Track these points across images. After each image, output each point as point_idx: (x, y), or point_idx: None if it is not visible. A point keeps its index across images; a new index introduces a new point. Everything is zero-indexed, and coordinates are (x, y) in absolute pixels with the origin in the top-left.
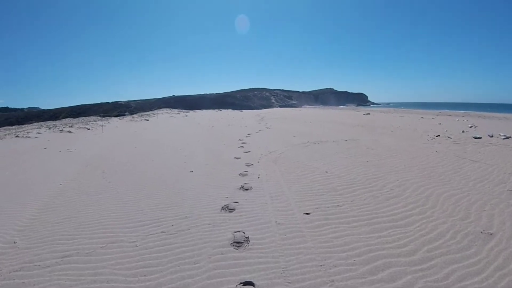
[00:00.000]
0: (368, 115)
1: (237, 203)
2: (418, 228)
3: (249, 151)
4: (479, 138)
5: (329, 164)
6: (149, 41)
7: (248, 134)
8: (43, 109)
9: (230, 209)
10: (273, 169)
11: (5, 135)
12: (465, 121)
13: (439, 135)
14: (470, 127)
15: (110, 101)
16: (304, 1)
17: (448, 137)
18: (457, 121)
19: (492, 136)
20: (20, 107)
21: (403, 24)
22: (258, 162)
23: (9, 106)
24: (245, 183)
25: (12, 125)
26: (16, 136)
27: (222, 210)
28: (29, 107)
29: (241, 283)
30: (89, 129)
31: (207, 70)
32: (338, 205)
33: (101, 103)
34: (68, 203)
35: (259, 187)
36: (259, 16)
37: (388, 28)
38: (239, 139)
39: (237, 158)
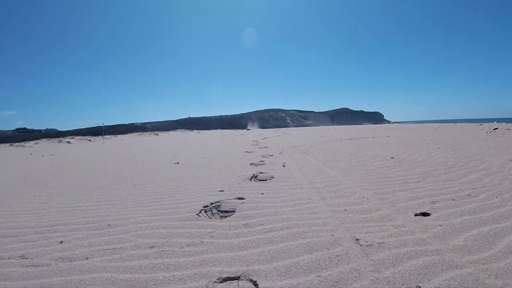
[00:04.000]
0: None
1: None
2: None
3: (265, 147)
4: None
5: (390, 152)
6: (167, 64)
7: (264, 137)
8: (60, 131)
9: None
10: (305, 158)
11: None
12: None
13: (496, 128)
14: None
15: (126, 123)
16: (319, 23)
17: (508, 129)
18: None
19: None
20: (38, 128)
21: (419, 44)
22: (280, 153)
23: (27, 127)
24: (260, 172)
25: None
26: (10, 145)
27: None
28: (47, 129)
29: None
30: (90, 140)
31: (223, 91)
32: (469, 195)
33: (117, 124)
34: None
35: (287, 177)
36: (274, 40)
37: (404, 47)
38: (253, 140)
39: (249, 152)
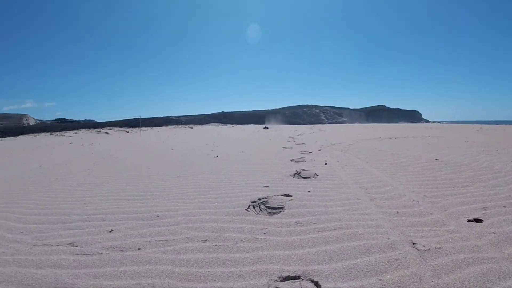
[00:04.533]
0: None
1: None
2: None
3: (303, 143)
4: None
5: (434, 153)
6: (200, 58)
7: (300, 134)
8: (98, 122)
9: None
10: (346, 156)
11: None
12: None
13: None
14: None
15: (161, 116)
16: (355, 20)
17: None
18: None
19: None
20: (76, 119)
21: (459, 42)
22: (319, 150)
23: (66, 118)
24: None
25: None
26: (50, 134)
27: None
28: (85, 119)
29: None
30: (127, 132)
31: (257, 86)
32: None
33: (153, 117)
34: None
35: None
36: (308, 37)
37: (444, 46)
38: (289, 136)
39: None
